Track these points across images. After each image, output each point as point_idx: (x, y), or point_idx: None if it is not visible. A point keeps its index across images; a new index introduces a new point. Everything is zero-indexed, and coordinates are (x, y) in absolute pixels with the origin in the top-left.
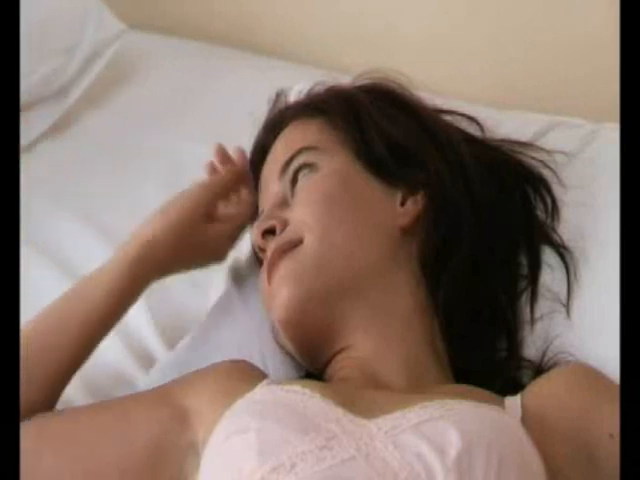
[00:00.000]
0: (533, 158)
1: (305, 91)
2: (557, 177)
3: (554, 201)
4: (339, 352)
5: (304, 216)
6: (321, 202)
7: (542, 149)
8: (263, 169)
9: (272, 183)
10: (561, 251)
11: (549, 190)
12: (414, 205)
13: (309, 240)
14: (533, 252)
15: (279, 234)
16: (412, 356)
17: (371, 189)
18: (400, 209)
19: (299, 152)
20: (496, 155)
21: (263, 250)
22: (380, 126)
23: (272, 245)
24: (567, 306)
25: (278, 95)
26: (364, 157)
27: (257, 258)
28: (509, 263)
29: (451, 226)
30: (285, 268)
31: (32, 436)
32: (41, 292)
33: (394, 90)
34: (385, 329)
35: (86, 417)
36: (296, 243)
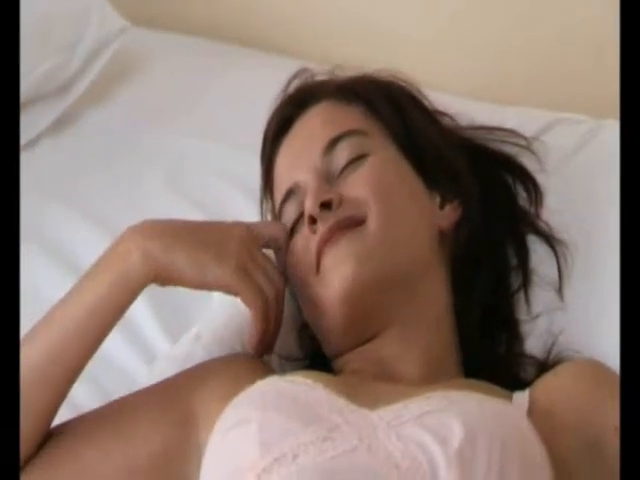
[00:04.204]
0: (516, 145)
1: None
2: (539, 164)
3: (537, 188)
4: (365, 342)
5: (364, 197)
6: (382, 188)
7: (520, 135)
8: (289, 140)
9: (312, 156)
10: (549, 239)
11: (531, 178)
12: (453, 211)
13: (372, 222)
14: (520, 242)
15: (335, 209)
16: (434, 355)
17: (417, 185)
18: (440, 211)
19: (350, 133)
20: (480, 148)
21: (314, 221)
22: (422, 125)
23: (330, 219)
24: (560, 291)
25: (301, 71)
26: (408, 153)
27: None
28: (505, 258)
29: (484, 241)
30: (349, 245)
31: (40, 472)
32: (42, 289)
33: (410, 91)
34: (419, 326)
35: (89, 438)
36: (358, 222)
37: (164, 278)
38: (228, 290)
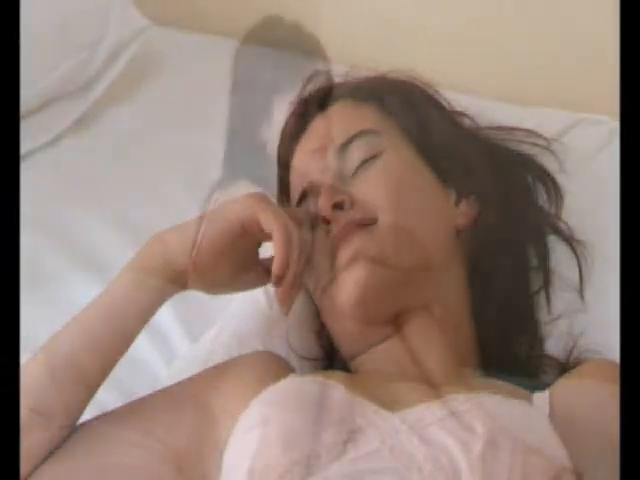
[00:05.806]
0: (536, 145)
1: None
2: (559, 164)
3: (557, 188)
4: (380, 342)
5: (375, 198)
6: (394, 188)
7: (539, 135)
8: (305, 141)
9: (326, 157)
10: (569, 240)
11: (551, 178)
12: (469, 208)
13: (383, 222)
14: (540, 242)
15: (347, 209)
16: (453, 355)
17: (432, 182)
18: (455, 208)
19: (363, 133)
20: (499, 148)
21: (328, 222)
22: (436, 122)
23: (342, 219)
24: (581, 292)
25: (317, 72)
26: (423, 150)
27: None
28: (524, 259)
29: (503, 240)
30: (361, 244)
31: (60, 467)
32: (61, 286)
33: (426, 90)
34: (435, 326)
35: (108, 435)
36: (369, 222)
37: (182, 255)
38: (249, 216)
